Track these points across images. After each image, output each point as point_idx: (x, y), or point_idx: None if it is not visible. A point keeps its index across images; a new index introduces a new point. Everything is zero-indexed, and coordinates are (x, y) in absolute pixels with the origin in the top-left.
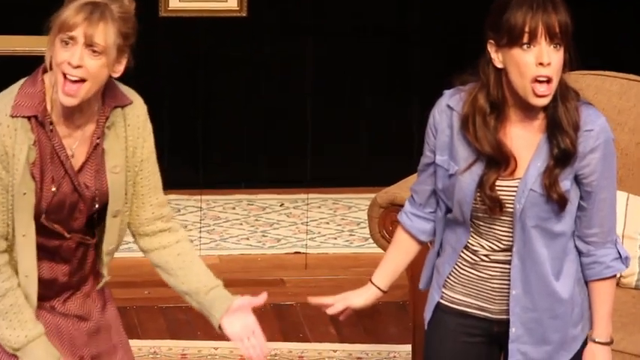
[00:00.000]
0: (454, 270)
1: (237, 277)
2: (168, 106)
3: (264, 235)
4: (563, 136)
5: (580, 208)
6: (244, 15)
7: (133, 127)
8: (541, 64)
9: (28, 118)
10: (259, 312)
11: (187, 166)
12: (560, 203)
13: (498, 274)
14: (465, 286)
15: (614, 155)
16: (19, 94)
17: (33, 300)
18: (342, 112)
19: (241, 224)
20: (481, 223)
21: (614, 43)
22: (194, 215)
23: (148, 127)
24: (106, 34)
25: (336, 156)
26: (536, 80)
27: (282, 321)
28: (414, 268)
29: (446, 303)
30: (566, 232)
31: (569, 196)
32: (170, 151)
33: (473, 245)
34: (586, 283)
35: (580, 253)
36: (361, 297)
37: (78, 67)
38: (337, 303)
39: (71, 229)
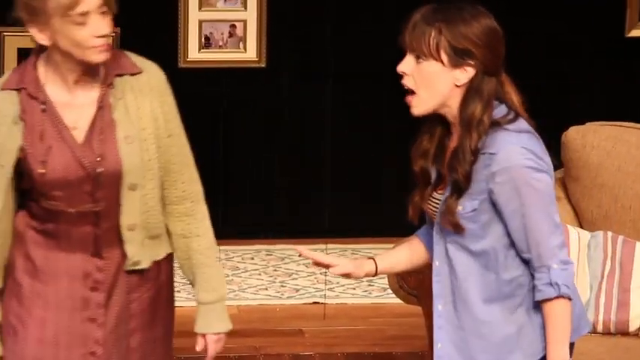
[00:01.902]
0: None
1: (255, 327)
2: None
3: (282, 286)
4: (457, 168)
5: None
6: (263, 65)
7: (148, 96)
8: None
9: (18, 90)
10: None
11: None
12: (455, 229)
13: None
14: None
15: (528, 183)
16: (13, 71)
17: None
18: (360, 161)
19: (260, 274)
20: None
21: (633, 94)
22: None
23: (170, 98)
24: None
25: (354, 206)
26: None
27: None
28: (431, 319)
29: None
30: (487, 251)
31: (467, 222)
32: None
33: None
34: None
35: None
36: (357, 268)
37: (105, 35)
38: (334, 266)
39: (83, 209)
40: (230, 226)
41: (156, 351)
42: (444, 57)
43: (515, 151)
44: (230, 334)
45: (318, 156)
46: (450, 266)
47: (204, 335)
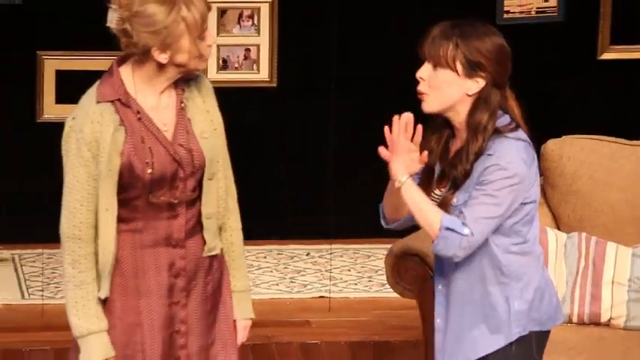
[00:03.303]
0: None
1: (267, 318)
2: None
3: (292, 281)
4: (457, 166)
5: None
6: (274, 85)
7: (206, 95)
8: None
9: (112, 101)
10: (288, 349)
11: None
12: None
13: None
14: None
15: (504, 180)
16: (100, 85)
17: (106, 273)
18: (363, 172)
19: (272, 271)
20: None
21: (603, 113)
22: None
23: (215, 97)
24: None
25: (356, 210)
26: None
27: (307, 358)
28: (424, 309)
29: None
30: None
31: (460, 212)
32: None
33: None
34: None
35: None
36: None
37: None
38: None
39: (175, 200)
40: (245, 228)
41: (229, 327)
42: (459, 67)
43: (509, 155)
44: None
45: (323, 168)
46: (448, 266)
47: (234, 321)
